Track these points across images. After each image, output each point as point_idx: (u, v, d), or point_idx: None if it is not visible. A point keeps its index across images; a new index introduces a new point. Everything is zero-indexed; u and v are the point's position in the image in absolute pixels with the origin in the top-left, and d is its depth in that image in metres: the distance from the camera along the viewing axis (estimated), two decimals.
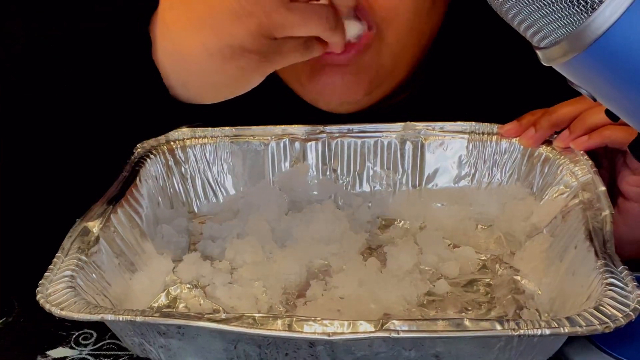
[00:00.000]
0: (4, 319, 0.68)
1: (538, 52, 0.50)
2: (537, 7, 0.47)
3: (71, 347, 0.64)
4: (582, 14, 0.46)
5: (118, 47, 0.64)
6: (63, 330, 0.66)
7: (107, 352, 0.64)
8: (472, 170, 0.81)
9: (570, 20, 0.46)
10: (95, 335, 0.66)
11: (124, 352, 0.63)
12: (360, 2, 0.73)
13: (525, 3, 0.48)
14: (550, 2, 0.46)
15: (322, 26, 0.64)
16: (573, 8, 0.46)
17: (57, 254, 0.63)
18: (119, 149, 0.75)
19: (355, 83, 0.79)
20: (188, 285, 0.70)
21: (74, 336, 0.66)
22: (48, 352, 0.64)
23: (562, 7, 0.46)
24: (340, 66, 0.77)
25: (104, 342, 0.65)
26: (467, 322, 0.54)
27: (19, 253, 0.72)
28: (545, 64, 0.50)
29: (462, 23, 0.86)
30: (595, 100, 0.52)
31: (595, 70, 0.48)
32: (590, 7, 0.45)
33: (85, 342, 0.65)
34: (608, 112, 0.54)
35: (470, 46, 0.89)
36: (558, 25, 0.47)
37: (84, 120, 0.66)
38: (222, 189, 0.83)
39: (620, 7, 0.45)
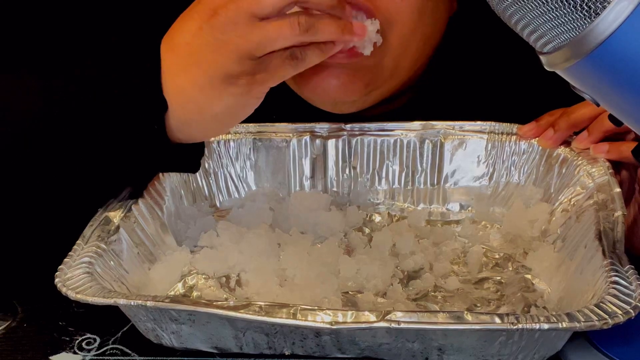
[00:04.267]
0: (7, 323, 0.69)
1: (541, 57, 0.50)
2: (540, 12, 0.48)
3: (74, 352, 0.64)
4: (585, 19, 0.46)
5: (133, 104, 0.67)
6: (66, 336, 0.66)
7: (110, 358, 0.64)
8: (491, 170, 0.82)
9: (574, 26, 0.47)
10: (98, 340, 0.65)
11: (127, 358, 0.63)
12: (362, 3, 0.74)
13: (529, 8, 0.48)
14: (553, 7, 0.47)
15: (295, 32, 0.64)
16: (576, 13, 0.46)
17: (77, 242, 0.65)
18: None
19: (350, 83, 0.78)
20: (204, 276, 0.72)
21: (77, 341, 0.65)
22: (51, 358, 0.64)
23: (565, 12, 0.47)
24: (336, 66, 0.77)
25: (107, 348, 0.65)
26: (467, 315, 0.55)
27: (22, 258, 0.74)
28: (548, 69, 0.50)
29: (470, 23, 0.86)
30: (598, 105, 0.52)
31: (598, 75, 0.48)
32: (593, 12, 0.46)
33: (88, 347, 0.65)
34: (612, 118, 0.55)
35: (477, 46, 0.90)
36: (561, 30, 0.48)
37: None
38: (244, 185, 0.85)
39: (623, 12, 0.45)
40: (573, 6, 0.46)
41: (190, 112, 0.67)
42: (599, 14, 0.46)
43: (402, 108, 0.88)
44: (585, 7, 0.46)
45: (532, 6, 0.48)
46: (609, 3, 0.46)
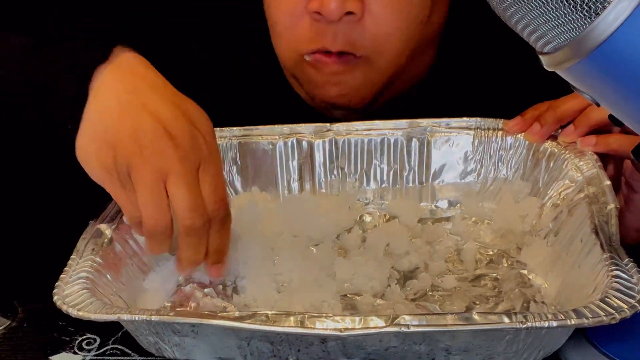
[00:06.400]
0: (7, 324, 0.68)
1: (541, 57, 0.50)
2: (541, 12, 0.47)
3: (74, 352, 0.64)
4: (585, 19, 0.46)
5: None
6: (66, 336, 0.66)
7: (110, 358, 0.63)
8: (478, 166, 0.82)
9: (574, 26, 0.47)
10: (98, 340, 0.65)
11: (127, 358, 0.63)
12: (350, 33, 0.77)
13: (529, 8, 0.48)
14: (553, 7, 0.47)
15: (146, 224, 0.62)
16: (576, 13, 0.46)
17: (72, 256, 0.64)
18: None
19: (349, 92, 0.81)
20: (200, 284, 0.71)
21: (77, 341, 0.65)
22: (51, 358, 0.64)
23: (565, 12, 0.46)
24: (332, 80, 0.81)
25: (107, 348, 0.64)
26: (475, 316, 0.55)
27: (22, 258, 0.73)
28: (549, 69, 0.50)
29: (464, 20, 0.87)
30: (598, 105, 0.52)
31: (598, 75, 0.48)
32: (593, 12, 0.46)
33: (88, 348, 0.64)
34: (612, 117, 0.55)
35: (471, 42, 0.90)
36: (561, 30, 0.47)
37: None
38: (232, 189, 0.84)
39: (623, 12, 0.45)
40: (573, 6, 0.46)
41: None
42: (599, 14, 0.46)
43: (401, 102, 0.88)
44: (585, 7, 0.46)
45: (532, 6, 0.48)
46: (609, 3, 0.45)
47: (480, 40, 0.89)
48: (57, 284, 0.61)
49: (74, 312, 0.57)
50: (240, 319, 0.56)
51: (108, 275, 0.64)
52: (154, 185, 0.61)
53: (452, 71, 0.90)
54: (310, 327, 0.55)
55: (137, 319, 0.57)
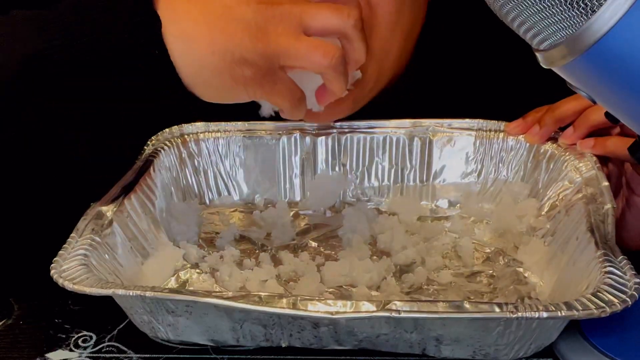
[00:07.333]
0: (3, 321, 0.68)
1: (537, 55, 0.51)
2: (537, 9, 0.48)
3: (70, 350, 0.64)
4: (581, 16, 0.46)
5: (129, 26, 0.63)
6: (62, 333, 0.66)
7: (106, 355, 0.64)
8: (479, 167, 0.83)
9: (570, 23, 0.47)
10: (94, 337, 0.65)
11: (123, 355, 0.63)
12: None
13: (525, 5, 0.48)
14: (550, 5, 0.47)
15: (326, 63, 0.64)
16: (573, 10, 0.46)
17: (71, 234, 0.65)
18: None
19: (337, 105, 0.76)
20: (197, 270, 0.72)
21: (73, 339, 0.65)
22: (47, 355, 0.64)
23: (562, 9, 0.47)
24: None
25: (103, 345, 0.64)
26: (466, 304, 0.56)
27: (18, 256, 0.73)
28: (545, 67, 0.51)
29: (440, 22, 0.87)
30: (594, 102, 0.52)
31: (594, 73, 0.48)
32: (590, 9, 0.46)
33: (84, 345, 0.65)
34: (608, 115, 0.55)
35: (463, 41, 0.90)
36: (557, 27, 0.48)
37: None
38: (234, 182, 0.85)
39: (619, 10, 0.45)
40: (570, 4, 0.46)
41: (189, 64, 0.63)
42: (596, 12, 0.46)
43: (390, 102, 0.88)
44: (582, 4, 0.46)
45: (528, 3, 0.48)
46: (605, 1, 0.46)
47: (456, 43, 0.89)
48: (55, 259, 0.61)
49: (69, 286, 0.58)
50: (233, 298, 0.56)
51: (106, 255, 0.65)
52: (296, 38, 0.63)
53: (427, 72, 0.89)
54: (302, 309, 0.56)
55: (131, 294, 0.57)
